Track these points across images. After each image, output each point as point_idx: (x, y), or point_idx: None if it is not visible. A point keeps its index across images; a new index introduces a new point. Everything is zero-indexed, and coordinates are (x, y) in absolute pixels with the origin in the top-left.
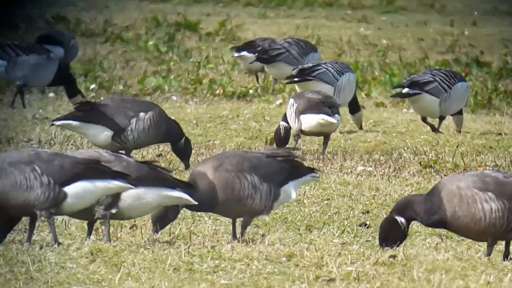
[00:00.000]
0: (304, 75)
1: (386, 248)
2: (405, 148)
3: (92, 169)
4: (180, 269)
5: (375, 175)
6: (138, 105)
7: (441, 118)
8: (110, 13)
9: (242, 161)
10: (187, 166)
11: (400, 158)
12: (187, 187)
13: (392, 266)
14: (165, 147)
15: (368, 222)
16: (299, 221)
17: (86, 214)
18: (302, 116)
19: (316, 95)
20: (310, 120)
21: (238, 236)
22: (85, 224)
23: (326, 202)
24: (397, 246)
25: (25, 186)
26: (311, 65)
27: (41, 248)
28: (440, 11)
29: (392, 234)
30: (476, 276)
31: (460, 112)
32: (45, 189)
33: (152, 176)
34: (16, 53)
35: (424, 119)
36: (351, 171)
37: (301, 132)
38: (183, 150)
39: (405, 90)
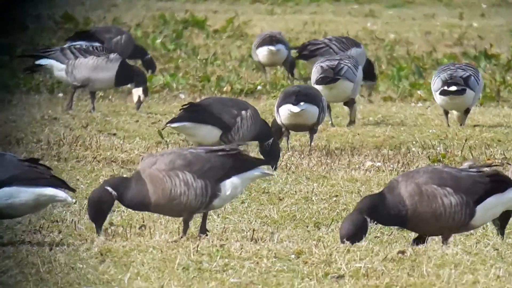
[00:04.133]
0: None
1: (347, 242)
2: (414, 143)
3: None
4: (189, 268)
5: (383, 171)
6: (237, 104)
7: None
8: (118, 11)
9: (175, 159)
10: (274, 168)
11: (409, 152)
12: (64, 184)
13: (401, 262)
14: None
15: None
16: (308, 218)
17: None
18: (279, 109)
19: (295, 88)
20: (282, 112)
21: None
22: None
23: (334, 199)
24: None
25: None
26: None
27: (50, 249)
28: (448, 3)
29: (360, 234)
30: (485, 270)
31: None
32: None
33: (28, 174)
34: (75, 56)
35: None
36: (359, 167)
37: (284, 126)
38: (270, 151)
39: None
